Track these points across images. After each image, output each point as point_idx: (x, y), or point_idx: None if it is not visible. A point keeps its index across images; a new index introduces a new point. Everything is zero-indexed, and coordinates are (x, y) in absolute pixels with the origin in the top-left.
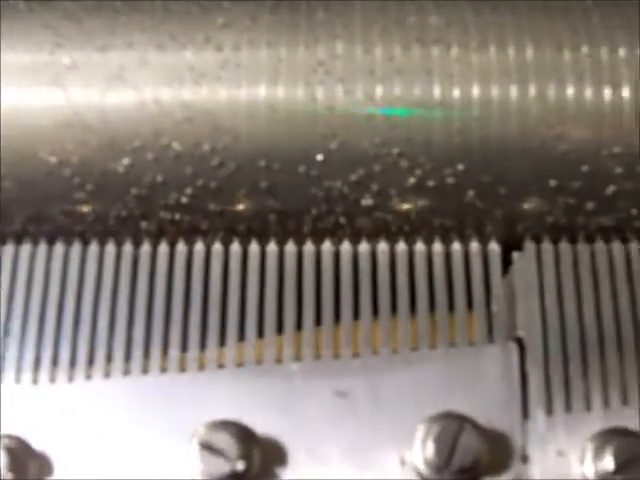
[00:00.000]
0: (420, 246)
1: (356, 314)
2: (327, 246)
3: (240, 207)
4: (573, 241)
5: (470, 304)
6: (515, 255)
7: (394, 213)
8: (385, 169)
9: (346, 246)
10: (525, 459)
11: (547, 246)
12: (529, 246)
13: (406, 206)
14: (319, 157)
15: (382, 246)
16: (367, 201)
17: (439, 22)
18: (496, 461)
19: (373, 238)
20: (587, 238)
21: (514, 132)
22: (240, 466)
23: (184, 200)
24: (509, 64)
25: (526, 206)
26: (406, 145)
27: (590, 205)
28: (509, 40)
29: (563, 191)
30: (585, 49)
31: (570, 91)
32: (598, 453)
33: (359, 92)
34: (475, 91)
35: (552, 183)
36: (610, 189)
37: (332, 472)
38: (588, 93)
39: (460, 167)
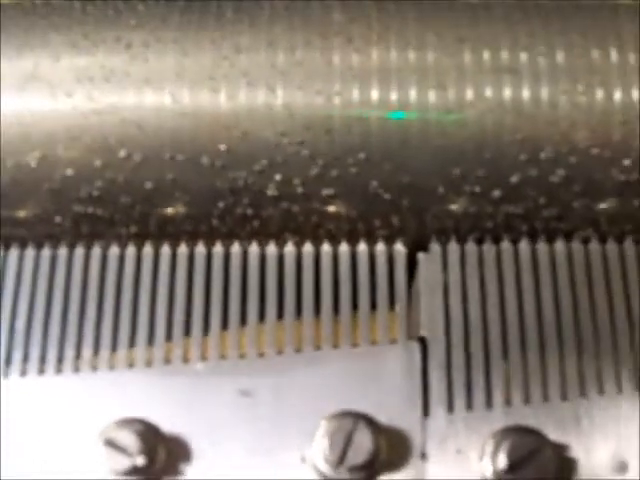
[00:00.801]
0: (326, 247)
1: (262, 315)
2: (236, 247)
3: (149, 200)
4: (480, 241)
5: (374, 305)
6: (421, 256)
7: (300, 205)
8: (287, 159)
9: (254, 247)
10: (424, 457)
11: (453, 246)
12: (435, 247)
13: (312, 197)
14: (222, 147)
15: (289, 248)
16: (272, 191)
17: (341, 18)
18: (394, 459)
19: (281, 237)
20: (494, 236)
21: (413, 119)
22: (140, 461)
23: (95, 193)
24: (408, 56)
25: (431, 196)
26: (307, 134)
27: (496, 193)
28: (410, 34)
29: (468, 180)
30: (482, 37)
31: (469, 77)
32: (495, 451)
33: (259, 82)
34: (374, 78)
35: (456, 171)
36: (515, 177)
37: (236, 469)
38: (488, 80)
39: (361, 156)
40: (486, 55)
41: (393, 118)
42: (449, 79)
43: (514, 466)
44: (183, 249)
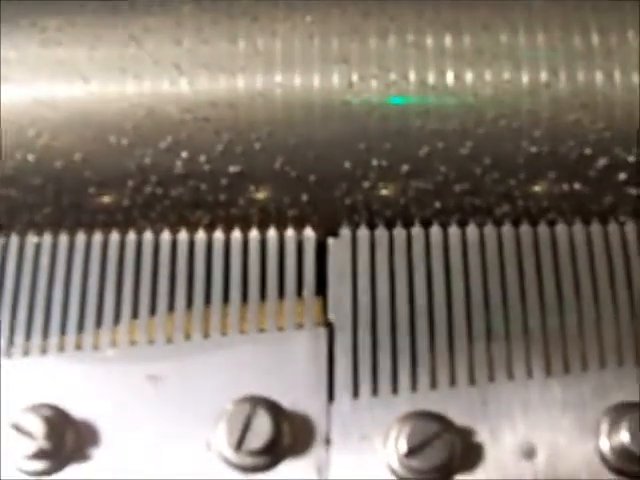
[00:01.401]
0: (237, 234)
1: (172, 302)
2: (148, 236)
3: (60, 181)
4: (391, 223)
5: (283, 290)
6: (330, 241)
7: (208, 183)
8: (192, 135)
9: (165, 236)
10: (328, 442)
11: (363, 231)
12: (345, 232)
13: (219, 175)
14: (128, 125)
15: (200, 235)
16: (179, 169)
17: None
18: (298, 444)
19: (192, 220)
20: (405, 216)
21: (317, 93)
22: (46, 445)
23: (8, 173)
24: (313, 30)
25: (338, 171)
26: (211, 110)
27: (405, 168)
28: (315, 13)
29: (374, 153)
30: (387, 11)
31: (372, 48)
32: (397, 436)
33: (165, 61)
34: (277, 55)
35: (361, 145)
36: (423, 150)
37: (143, 453)
38: (391, 55)
39: (265, 131)
40: (381, 27)
41: (297, 90)
42: (352, 55)
43: (413, 451)
44: (98, 237)
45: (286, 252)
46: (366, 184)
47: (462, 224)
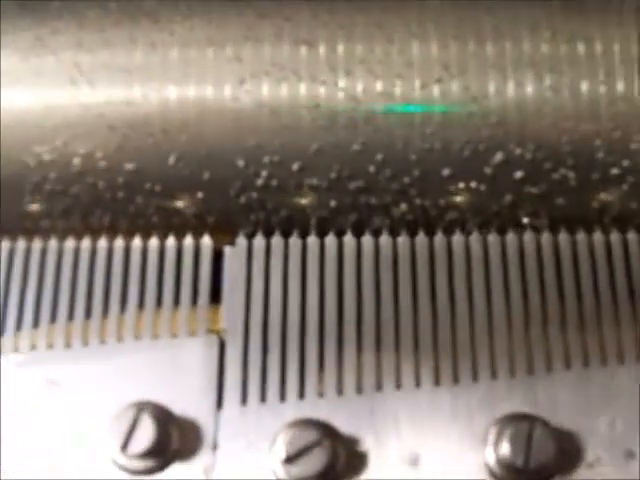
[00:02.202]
0: (137, 242)
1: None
2: (52, 243)
3: None
4: (288, 225)
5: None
6: (227, 249)
7: (105, 181)
8: (89, 131)
9: (70, 243)
10: (215, 447)
11: (259, 240)
12: (241, 241)
13: (115, 172)
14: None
15: (102, 242)
16: (77, 167)
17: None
18: (186, 448)
19: (90, 220)
20: (301, 217)
21: (209, 90)
22: None
23: None
24: (210, 30)
25: (232, 169)
26: (107, 106)
27: (297, 164)
28: (212, 14)
29: (266, 150)
30: (281, 15)
31: (265, 48)
32: (280, 443)
33: (66, 58)
34: (173, 54)
35: (252, 141)
36: (314, 145)
37: (43, 459)
38: (282, 50)
39: (158, 126)
40: (275, 27)
41: (190, 91)
42: (244, 50)
43: (291, 458)
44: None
45: (183, 259)
46: (259, 182)
47: (359, 230)
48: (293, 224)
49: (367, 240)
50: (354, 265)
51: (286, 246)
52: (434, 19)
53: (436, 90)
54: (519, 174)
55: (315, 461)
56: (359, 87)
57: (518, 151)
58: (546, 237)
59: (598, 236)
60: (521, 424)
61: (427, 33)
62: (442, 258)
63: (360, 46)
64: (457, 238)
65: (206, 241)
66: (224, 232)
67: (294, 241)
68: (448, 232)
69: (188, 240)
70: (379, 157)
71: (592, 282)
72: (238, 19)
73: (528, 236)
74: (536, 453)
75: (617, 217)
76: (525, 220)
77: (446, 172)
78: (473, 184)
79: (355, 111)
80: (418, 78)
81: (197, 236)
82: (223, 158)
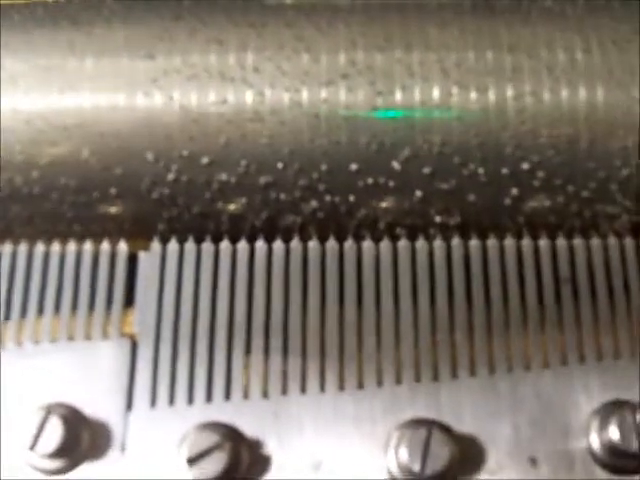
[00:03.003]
0: (56, 247)
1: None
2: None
3: None
4: (199, 240)
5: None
6: (141, 255)
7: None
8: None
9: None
10: (124, 449)
11: (173, 245)
12: (155, 246)
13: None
14: None
15: (22, 247)
16: None
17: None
18: (96, 449)
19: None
20: (214, 215)
21: (122, 84)
22: None
23: None
24: (127, 29)
25: (143, 163)
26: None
27: (205, 158)
28: (134, 8)
29: (176, 145)
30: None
31: (177, 44)
32: (183, 445)
33: None
34: (87, 48)
35: (161, 135)
36: (222, 139)
37: None
38: (194, 43)
39: (72, 121)
40: (188, 27)
41: (103, 84)
42: (158, 51)
43: (193, 460)
44: None
45: (100, 264)
46: (170, 176)
47: (270, 228)
48: (206, 220)
49: (278, 245)
50: (264, 270)
51: (199, 251)
52: (343, 18)
53: (342, 85)
54: (428, 169)
55: (216, 463)
56: (267, 83)
57: (425, 146)
58: (456, 243)
59: (509, 241)
60: (419, 429)
61: (334, 31)
62: (351, 263)
63: (269, 45)
64: (367, 244)
65: (122, 246)
66: (139, 235)
67: (207, 246)
68: (359, 229)
69: (105, 245)
70: (286, 151)
71: (501, 289)
72: (153, 20)
73: (438, 242)
74: (433, 458)
75: (530, 214)
76: (437, 219)
77: (354, 167)
78: (382, 180)
79: (262, 104)
80: (325, 74)
81: (114, 241)
82: (134, 153)
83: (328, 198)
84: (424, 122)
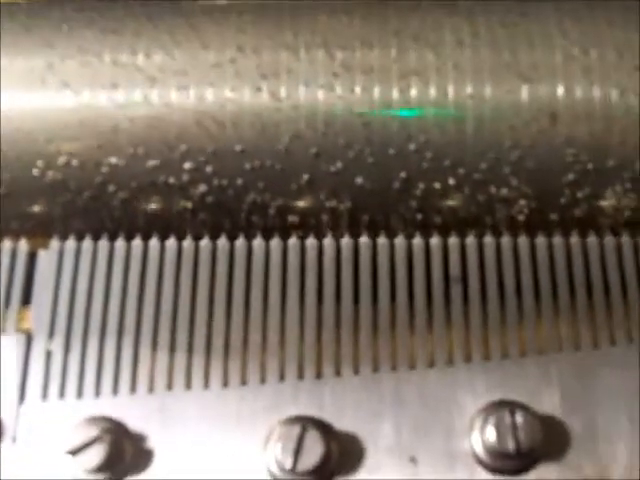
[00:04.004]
0: None
1: None
2: None
3: None
4: (96, 237)
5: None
6: (41, 253)
7: None
8: None
9: None
10: (15, 440)
11: (71, 244)
12: (54, 244)
13: None
14: None
15: None
16: None
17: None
18: None
19: None
20: (103, 200)
21: (19, 70)
22: None
23: None
24: (29, 19)
25: (35, 146)
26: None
27: (141, 149)
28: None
29: (66, 137)
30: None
31: (74, 36)
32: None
33: None
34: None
35: (52, 119)
36: (110, 124)
37: None
38: (89, 34)
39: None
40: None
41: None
42: (54, 37)
43: (74, 452)
44: None
45: (1, 261)
46: (61, 160)
47: (163, 211)
48: (97, 205)
49: (171, 243)
50: (157, 267)
51: (95, 249)
52: (237, 9)
53: (229, 68)
54: (313, 150)
55: (96, 455)
56: (156, 64)
57: (310, 127)
58: (346, 241)
59: (400, 240)
60: (294, 426)
61: (224, 20)
62: (241, 261)
63: (161, 27)
64: (258, 242)
65: (22, 244)
66: (40, 232)
67: (103, 244)
68: (250, 216)
69: (6, 243)
70: (172, 133)
71: (389, 286)
72: (53, 9)
73: (328, 240)
74: (306, 455)
75: (422, 196)
76: (327, 203)
77: (238, 148)
78: (268, 162)
79: (151, 89)
80: (213, 57)
81: (14, 239)
82: (25, 136)
83: (216, 181)
84: (308, 103)
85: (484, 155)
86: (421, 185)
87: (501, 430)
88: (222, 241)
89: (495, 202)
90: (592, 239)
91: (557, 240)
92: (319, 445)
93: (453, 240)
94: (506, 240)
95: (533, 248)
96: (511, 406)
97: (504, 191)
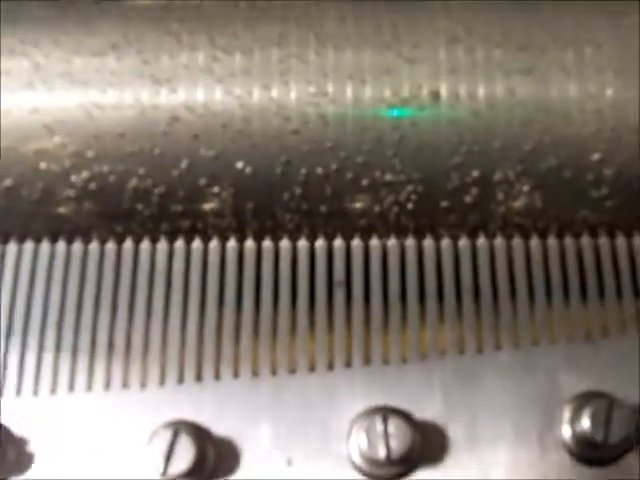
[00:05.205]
0: None
1: None
2: None
3: None
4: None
5: None
6: None
7: None
8: None
9: None
10: None
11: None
12: None
13: None
14: None
15: None
16: None
17: None
18: None
19: None
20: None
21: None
22: None
23: None
24: None
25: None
26: None
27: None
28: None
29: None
30: None
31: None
32: None
33: None
34: None
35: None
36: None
37: None
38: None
39: None
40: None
41: None
42: None
43: None
44: None
45: None
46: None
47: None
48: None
49: (60, 246)
50: (45, 269)
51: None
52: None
53: (110, 55)
54: (191, 134)
55: None
56: (40, 53)
57: (188, 110)
58: (232, 244)
59: (285, 243)
60: (167, 430)
61: (109, 6)
62: (127, 265)
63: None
64: (145, 245)
65: None
66: None
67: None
68: (134, 204)
69: None
70: (50, 118)
71: (272, 290)
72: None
73: (213, 243)
74: (178, 459)
75: (305, 181)
76: (213, 190)
77: (118, 131)
78: (147, 145)
79: (34, 74)
80: (97, 44)
81: None
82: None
83: (96, 169)
84: (186, 86)
85: (364, 136)
86: (303, 170)
87: (372, 437)
88: (110, 245)
89: (381, 187)
90: (481, 240)
91: (445, 242)
92: (191, 449)
93: (338, 243)
94: (392, 243)
95: (420, 250)
96: (384, 412)
97: (389, 176)
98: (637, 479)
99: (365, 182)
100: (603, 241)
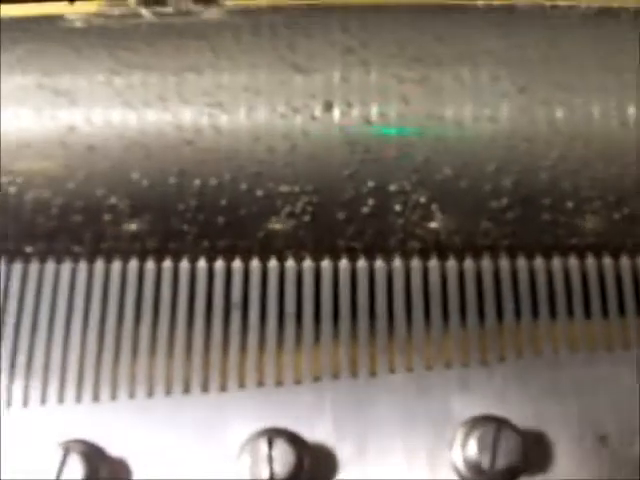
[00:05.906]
0: None
1: None
2: None
3: None
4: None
5: None
6: None
7: None
8: None
9: None
10: None
11: None
12: None
13: None
14: None
15: None
16: None
17: None
18: None
19: None
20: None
21: None
22: None
23: None
24: None
25: None
26: None
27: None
28: None
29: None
30: None
31: None
32: None
33: None
34: None
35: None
36: None
37: None
38: None
39: None
40: None
41: None
42: None
43: None
44: None
45: None
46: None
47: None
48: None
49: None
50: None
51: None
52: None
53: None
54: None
55: None
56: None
57: (85, 120)
58: (133, 264)
59: (184, 264)
60: (59, 451)
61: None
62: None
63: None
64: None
65: None
66: None
67: None
68: (34, 215)
69: None
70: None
71: (170, 309)
72: None
73: (116, 263)
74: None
75: (199, 192)
76: (105, 201)
77: (16, 141)
78: (46, 156)
79: None
80: None
81: None
82: None
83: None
84: (85, 96)
85: (256, 146)
86: (197, 181)
87: (256, 459)
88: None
89: (276, 198)
90: (379, 262)
91: (343, 263)
92: (81, 469)
93: (237, 264)
94: (290, 264)
95: (318, 270)
96: (270, 435)
97: (283, 187)
98: None
99: (260, 193)
100: (503, 263)
